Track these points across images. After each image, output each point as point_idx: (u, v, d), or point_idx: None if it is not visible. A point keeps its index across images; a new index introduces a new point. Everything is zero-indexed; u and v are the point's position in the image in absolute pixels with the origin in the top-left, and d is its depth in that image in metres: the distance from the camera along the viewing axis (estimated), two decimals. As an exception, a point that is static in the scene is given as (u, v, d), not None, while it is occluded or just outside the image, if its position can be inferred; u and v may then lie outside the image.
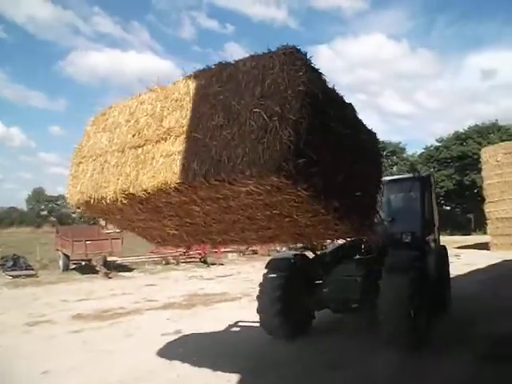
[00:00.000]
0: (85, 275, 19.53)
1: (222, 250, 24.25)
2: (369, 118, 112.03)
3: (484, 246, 25.29)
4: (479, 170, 29.31)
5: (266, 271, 7.94)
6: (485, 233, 28.48)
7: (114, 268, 20.48)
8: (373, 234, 5.86)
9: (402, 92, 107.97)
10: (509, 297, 10.49)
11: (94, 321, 10.16)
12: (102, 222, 21.20)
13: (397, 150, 71.05)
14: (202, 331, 8.63)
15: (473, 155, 50.90)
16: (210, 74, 4.63)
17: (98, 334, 8.91)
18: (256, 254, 26.53)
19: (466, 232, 38.12)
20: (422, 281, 6.72)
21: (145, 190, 4.52)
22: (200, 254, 23.04)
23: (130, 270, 21.87)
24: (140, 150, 4.79)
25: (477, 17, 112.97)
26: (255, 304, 7.74)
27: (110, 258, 20.71)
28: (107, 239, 20.96)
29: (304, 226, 4.74)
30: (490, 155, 26.53)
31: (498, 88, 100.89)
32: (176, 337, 8.27)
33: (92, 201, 5.06)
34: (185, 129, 4.46)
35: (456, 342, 6.82)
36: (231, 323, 9.11)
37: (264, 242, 6.07)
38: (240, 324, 9.01)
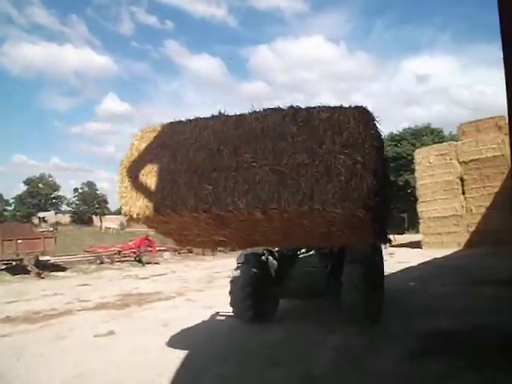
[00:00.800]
0: (15, 276, 18.82)
1: (158, 248, 24.02)
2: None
3: (417, 245, 26.09)
4: (412, 171, 30.07)
5: (238, 263, 8.95)
6: (417, 232, 29.27)
7: (46, 268, 19.89)
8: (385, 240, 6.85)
9: (339, 93, 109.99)
10: (437, 293, 10.79)
11: (24, 323, 9.75)
12: (36, 220, 20.64)
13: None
14: (134, 331, 8.46)
15: (407, 156, 52.21)
16: (282, 114, 5.38)
17: (27, 337, 8.53)
18: (191, 252, 26.42)
19: (400, 231, 39.04)
20: (374, 270, 8.43)
21: (230, 211, 5.15)
22: (135, 252, 22.71)
23: (63, 269, 21.26)
24: (215, 173, 5.30)
25: (413, 23, 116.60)
26: (189, 303, 8.01)
27: (42, 258, 20.10)
28: (40, 238, 20.41)
29: (338, 235, 5.74)
30: (422, 157, 27.29)
31: (431, 92, 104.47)
32: (109, 338, 8.07)
33: (160, 217, 5.56)
34: (267, 162, 5.12)
35: (387, 340, 6.92)
36: (165, 323, 8.99)
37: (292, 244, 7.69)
38: (174, 324, 8.88)
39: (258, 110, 5.51)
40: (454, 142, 27.52)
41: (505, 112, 5.72)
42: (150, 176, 5.70)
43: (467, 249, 23.03)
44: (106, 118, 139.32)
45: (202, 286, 14.04)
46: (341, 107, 5.26)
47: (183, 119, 5.96)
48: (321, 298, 8.93)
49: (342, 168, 4.82)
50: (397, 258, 19.32)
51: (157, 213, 5.51)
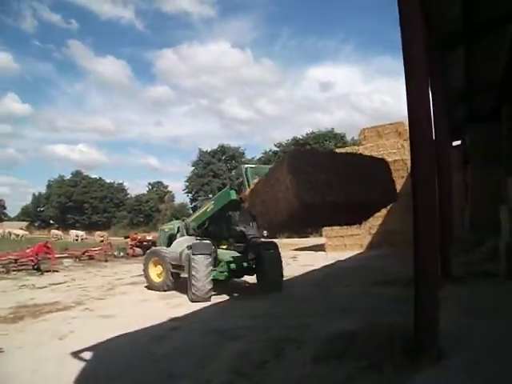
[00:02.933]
0: None
1: (57, 255, 22.98)
2: (209, 123, 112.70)
3: (320, 248, 26.45)
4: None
5: (195, 253, 11.65)
6: (321, 235, 29.80)
7: None
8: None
9: (244, 99, 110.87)
10: (339, 295, 11.10)
11: None
12: None
13: (236, 155, 72.35)
14: (26, 347, 7.86)
15: (308, 161, 53.22)
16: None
17: None
18: (92, 259, 25.57)
19: (304, 235, 39.70)
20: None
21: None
22: (33, 260, 21.55)
23: None
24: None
25: (318, 33, 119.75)
26: (88, 313, 9.22)
27: None
28: None
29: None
30: (325, 161, 27.90)
31: (334, 99, 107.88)
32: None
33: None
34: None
35: (290, 344, 6.98)
36: (61, 335, 8.55)
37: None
38: (71, 336, 8.50)
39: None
40: (356, 147, 28.38)
41: (404, 118, 5.97)
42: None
43: (368, 251, 23.79)
44: (4, 120, 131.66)
45: (103, 294, 13.55)
46: None
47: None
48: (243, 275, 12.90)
49: None
50: (300, 262, 19.72)
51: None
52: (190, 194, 72.11)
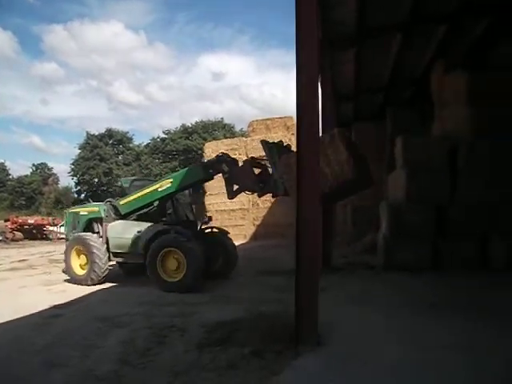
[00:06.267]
0: None
1: None
2: (98, 105, 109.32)
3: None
4: (202, 164, 30.70)
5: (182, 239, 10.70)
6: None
7: None
8: None
9: (135, 82, 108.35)
10: (223, 284, 11.34)
11: None
12: None
13: (124, 139, 70.93)
14: None
15: (197, 150, 53.30)
16: None
17: None
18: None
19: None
20: None
21: None
22: None
23: None
24: None
25: (214, 21, 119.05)
26: None
27: None
28: None
29: None
30: (212, 150, 28.04)
31: (225, 89, 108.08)
32: None
33: None
34: None
35: (175, 331, 7.01)
36: None
37: None
38: None
39: None
40: (244, 138, 28.78)
41: (293, 113, 6.12)
42: None
43: (252, 241, 24.21)
44: None
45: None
46: None
47: None
48: None
49: None
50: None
51: None
52: (75, 177, 69.82)
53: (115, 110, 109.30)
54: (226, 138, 42.45)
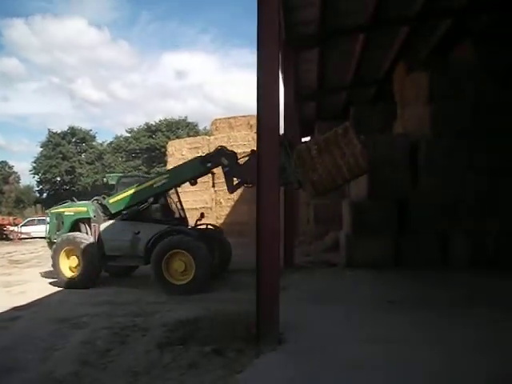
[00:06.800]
0: None
1: None
2: (60, 103, 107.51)
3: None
4: (166, 163, 30.60)
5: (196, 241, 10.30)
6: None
7: None
8: None
9: (98, 80, 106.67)
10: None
11: None
12: None
13: (87, 138, 69.92)
14: None
15: (160, 148, 52.99)
16: None
17: None
18: None
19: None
20: None
21: None
22: None
23: None
24: None
25: (178, 19, 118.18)
26: None
27: None
28: None
29: None
30: (175, 149, 27.96)
31: (188, 88, 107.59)
32: None
33: None
34: None
35: (137, 331, 6.99)
36: None
37: None
38: None
39: None
40: (207, 137, 28.73)
41: (255, 112, 6.13)
42: None
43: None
44: None
45: None
46: None
47: None
48: None
49: None
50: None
51: None
52: (36, 176, 68.57)
53: (78, 107, 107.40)
54: (189, 136, 42.31)
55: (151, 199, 11.16)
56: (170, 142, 31.06)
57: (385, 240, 11.90)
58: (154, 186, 10.91)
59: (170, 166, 27.40)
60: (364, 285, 9.94)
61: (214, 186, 26.06)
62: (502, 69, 12.81)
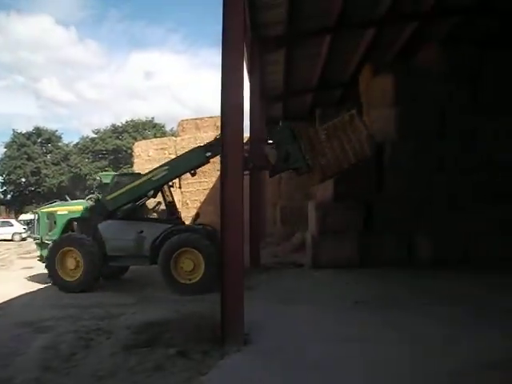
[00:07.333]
0: None
1: None
2: (25, 102, 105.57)
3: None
4: (132, 164, 30.37)
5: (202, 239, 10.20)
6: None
7: None
8: None
9: (64, 80, 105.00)
10: (148, 284, 11.15)
11: None
12: None
13: (53, 138, 68.86)
14: None
15: (127, 149, 52.59)
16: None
17: None
18: None
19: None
20: None
21: None
22: None
23: None
24: None
25: (146, 19, 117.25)
26: None
27: None
28: None
29: None
30: (142, 150, 27.73)
31: (156, 88, 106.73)
32: None
33: None
34: None
35: (102, 334, 6.91)
36: None
37: None
38: None
39: None
40: (174, 138, 28.57)
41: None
42: None
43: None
44: None
45: None
46: None
47: None
48: None
49: None
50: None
51: None
52: (0, 177, 67.33)
53: (44, 107, 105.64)
54: (156, 137, 42.07)
55: (151, 193, 10.87)
56: (136, 143, 30.82)
57: (350, 241, 12.01)
58: (153, 178, 10.52)
59: (136, 168, 27.23)
60: (330, 285, 10.04)
61: (180, 188, 26.12)
62: (468, 71, 13.06)
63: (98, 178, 12.89)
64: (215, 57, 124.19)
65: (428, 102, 12.70)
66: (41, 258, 11.51)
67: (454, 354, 5.40)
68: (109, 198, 10.80)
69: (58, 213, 11.48)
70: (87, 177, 61.14)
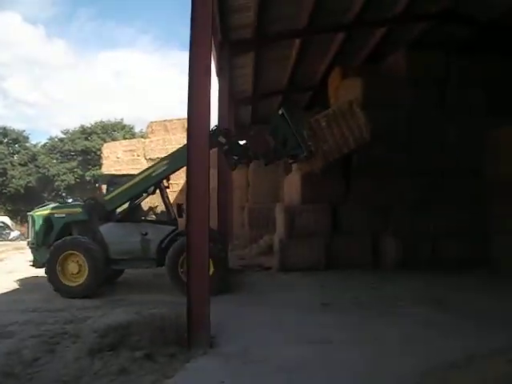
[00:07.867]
0: None
1: None
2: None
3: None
4: (101, 166, 30.12)
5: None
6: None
7: None
8: None
9: (32, 79, 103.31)
10: (114, 287, 11.17)
11: None
12: None
13: (20, 139, 67.60)
14: None
15: (96, 150, 52.05)
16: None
17: None
18: None
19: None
20: None
21: None
22: None
23: None
24: None
25: (116, 19, 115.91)
26: None
27: None
28: None
29: None
30: (111, 151, 27.57)
31: (125, 89, 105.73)
32: None
33: None
34: None
35: (67, 338, 6.77)
36: None
37: None
38: None
39: None
40: (143, 140, 28.47)
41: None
42: None
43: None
44: None
45: None
46: None
47: None
48: None
49: None
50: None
51: None
52: (-35, 180, 65.91)
53: (10, 107, 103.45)
54: (125, 139, 41.82)
55: (151, 189, 10.55)
56: (105, 145, 30.62)
57: (318, 243, 12.11)
58: (153, 174, 10.27)
59: (105, 169, 27.04)
60: (298, 287, 10.12)
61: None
62: (435, 76, 13.29)
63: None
64: (185, 58, 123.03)
65: (395, 106, 12.88)
66: (34, 263, 10.87)
67: (416, 354, 5.48)
68: (107, 197, 10.60)
69: (56, 216, 10.80)
70: (55, 178, 60.33)
